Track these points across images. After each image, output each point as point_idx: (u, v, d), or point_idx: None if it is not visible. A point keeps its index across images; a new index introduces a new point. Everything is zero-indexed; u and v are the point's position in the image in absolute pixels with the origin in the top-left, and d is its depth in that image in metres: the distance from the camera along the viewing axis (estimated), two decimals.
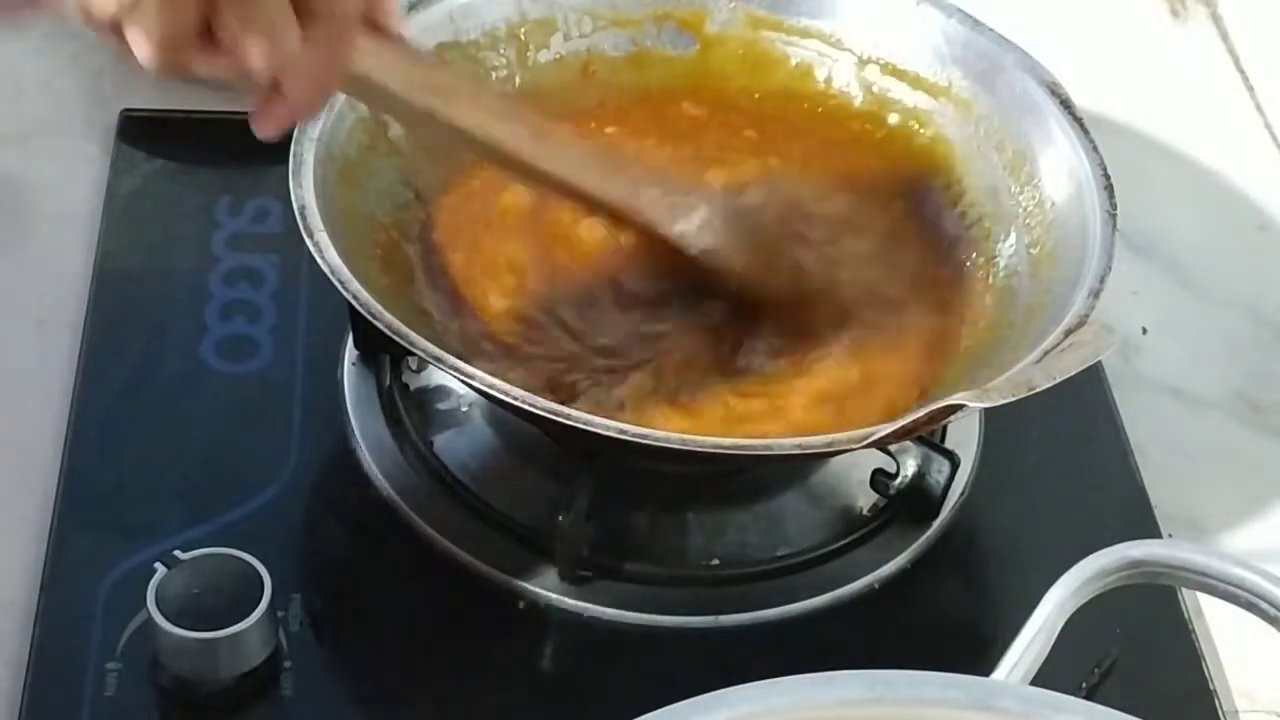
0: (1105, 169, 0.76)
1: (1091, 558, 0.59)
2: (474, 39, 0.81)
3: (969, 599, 0.76)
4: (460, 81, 0.72)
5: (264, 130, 0.61)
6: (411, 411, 0.78)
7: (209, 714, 0.67)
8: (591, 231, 0.77)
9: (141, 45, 0.52)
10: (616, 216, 0.74)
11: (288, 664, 0.68)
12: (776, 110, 0.84)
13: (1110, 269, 0.71)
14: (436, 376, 0.79)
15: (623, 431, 0.64)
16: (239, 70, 0.56)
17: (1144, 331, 0.89)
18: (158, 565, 0.67)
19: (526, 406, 0.65)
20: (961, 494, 0.77)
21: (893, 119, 0.83)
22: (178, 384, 0.79)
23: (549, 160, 0.71)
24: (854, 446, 0.66)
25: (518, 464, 0.77)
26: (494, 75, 0.82)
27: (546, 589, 0.72)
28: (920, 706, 0.49)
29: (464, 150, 0.73)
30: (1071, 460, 0.82)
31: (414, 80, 0.65)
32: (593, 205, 0.73)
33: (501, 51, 0.82)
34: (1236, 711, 0.73)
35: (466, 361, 0.66)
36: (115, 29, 0.52)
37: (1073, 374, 0.65)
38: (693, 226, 0.73)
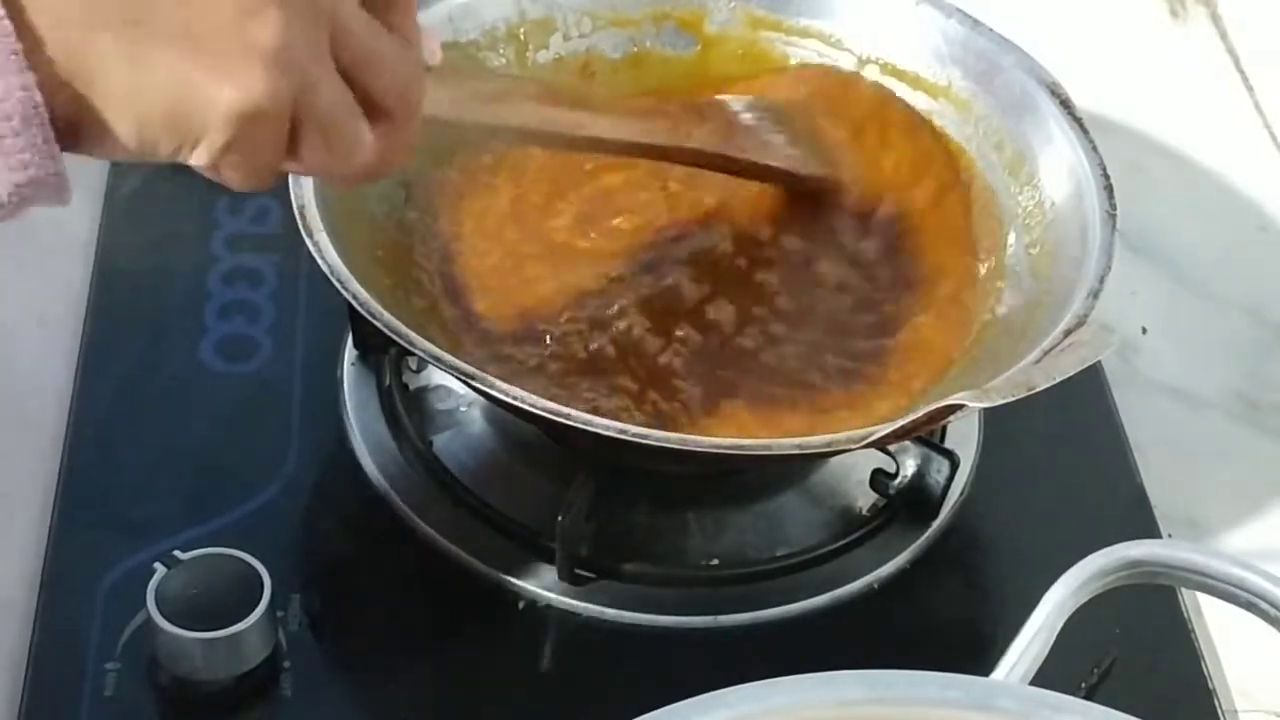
0: (1105, 169, 0.76)
1: (1091, 558, 0.59)
2: (473, 39, 0.81)
3: (968, 599, 0.76)
4: (504, 82, 0.73)
5: (341, 187, 0.62)
6: (411, 411, 0.78)
7: (209, 714, 0.67)
8: (590, 235, 0.78)
9: (234, 180, 0.54)
10: (713, 165, 0.76)
11: (287, 664, 0.68)
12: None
13: (1110, 269, 0.71)
14: (436, 376, 0.79)
15: (623, 431, 0.64)
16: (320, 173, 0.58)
17: (1144, 331, 0.89)
18: (157, 565, 0.67)
19: (526, 406, 0.65)
20: (961, 494, 0.77)
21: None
22: (177, 384, 0.79)
23: (619, 130, 0.73)
24: (854, 446, 0.66)
25: (517, 464, 0.77)
26: None
27: (546, 589, 0.72)
28: (920, 706, 0.49)
29: (536, 145, 0.77)
30: (1071, 460, 0.82)
31: (466, 101, 0.66)
32: (684, 159, 0.76)
33: (500, 52, 0.82)
34: (1235, 711, 0.73)
35: (466, 361, 0.66)
36: (210, 169, 0.53)
37: (1072, 374, 0.65)
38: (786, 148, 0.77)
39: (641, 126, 0.74)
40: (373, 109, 0.55)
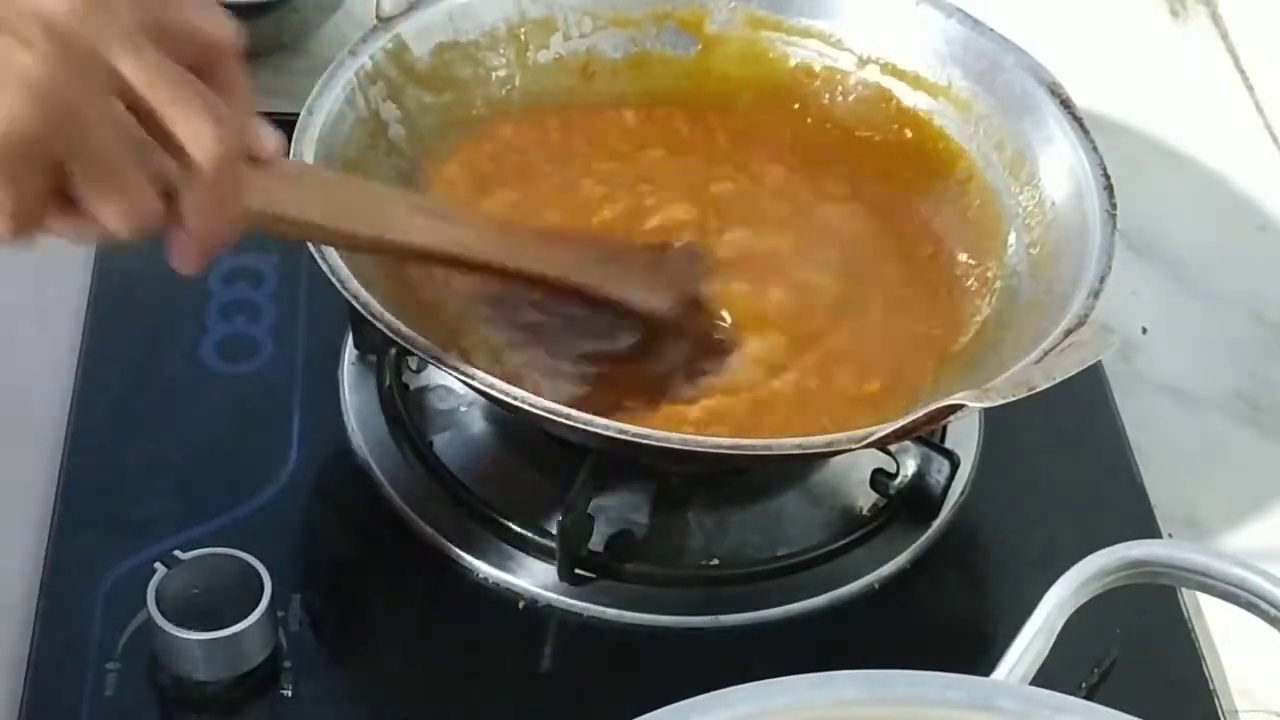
0: (1105, 169, 0.76)
1: (1091, 558, 0.59)
2: (473, 39, 0.81)
3: (969, 599, 0.76)
4: (368, 190, 0.70)
5: (183, 268, 0.58)
6: (411, 411, 0.78)
7: (209, 714, 0.67)
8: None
9: None
10: (566, 290, 0.72)
11: (288, 664, 0.68)
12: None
13: (1110, 269, 0.71)
14: (436, 376, 0.79)
15: (623, 431, 0.64)
16: (103, 232, 0.55)
17: (1144, 331, 0.89)
18: (158, 565, 0.67)
19: (526, 406, 0.65)
20: (961, 494, 0.77)
21: (892, 119, 0.83)
22: (178, 384, 0.79)
23: (490, 250, 0.70)
24: (854, 446, 0.66)
25: (518, 464, 0.77)
26: (493, 75, 0.82)
27: (546, 589, 0.72)
28: (920, 706, 0.49)
29: (398, 257, 0.71)
30: (1071, 460, 0.82)
31: (319, 202, 0.63)
32: (537, 282, 0.72)
33: (501, 51, 0.82)
34: (1236, 711, 0.73)
35: (466, 361, 0.66)
36: None
37: (1072, 374, 0.65)
38: (652, 293, 0.74)
39: (508, 246, 0.71)
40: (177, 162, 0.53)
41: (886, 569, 0.75)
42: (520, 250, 0.71)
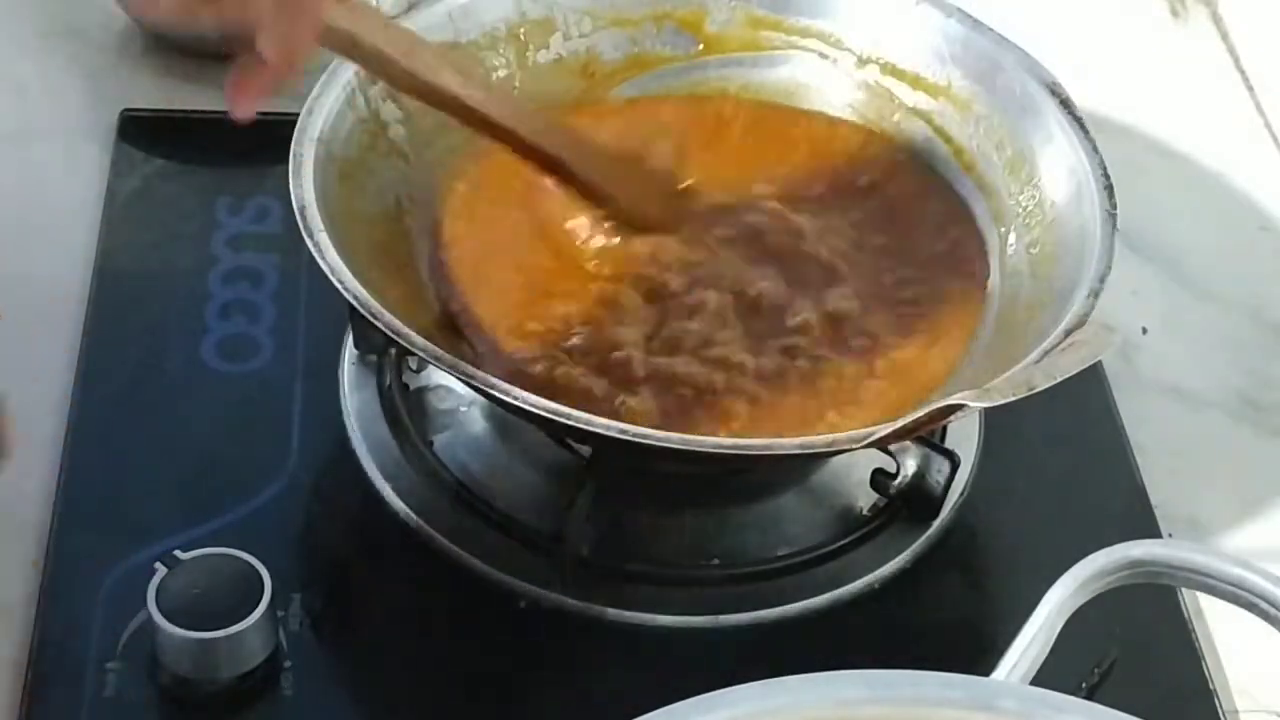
0: (1105, 169, 0.76)
1: (1091, 558, 0.59)
2: (474, 39, 0.81)
3: (969, 599, 0.76)
4: (410, 35, 0.74)
5: (240, 106, 0.65)
6: (411, 411, 0.78)
7: (209, 714, 0.67)
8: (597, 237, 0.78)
9: None
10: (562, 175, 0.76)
11: (288, 664, 0.68)
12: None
13: (1110, 269, 0.71)
14: (436, 376, 0.79)
15: (623, 431, 0.64)
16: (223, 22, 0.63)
17: (1144, 331, 0.89)
18: (158, 565, 0.67)
19: (526, 406, 0.65)
20: (961, 494, 0.77)
21: (893, 119, 0.83)
22: (178, 384, 0.79)
23: (501, 115, 0.74)
24: (854, 446, 0.66)
25: (518, 464, 0.77)
26: (494, 75, 0.82)
27: (546, 589, 0.72)
28: (920, 706, 0.49)
29: (449, 114, 0.75)
30: (1071, 460, 0.82)
31: (387, 37, 0.70)
32: (574, 181, 0.76)
33: (501, 52, 0.82)
34: (1236, 711, 0.73)
35: (467, 362, 0.66)
36: None
37: (1073, 374, 0.65)
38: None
39: (524, 121, 0.75)
40: None
41: (886, 569, 0.75)
42: (531, 125, 0.75)
